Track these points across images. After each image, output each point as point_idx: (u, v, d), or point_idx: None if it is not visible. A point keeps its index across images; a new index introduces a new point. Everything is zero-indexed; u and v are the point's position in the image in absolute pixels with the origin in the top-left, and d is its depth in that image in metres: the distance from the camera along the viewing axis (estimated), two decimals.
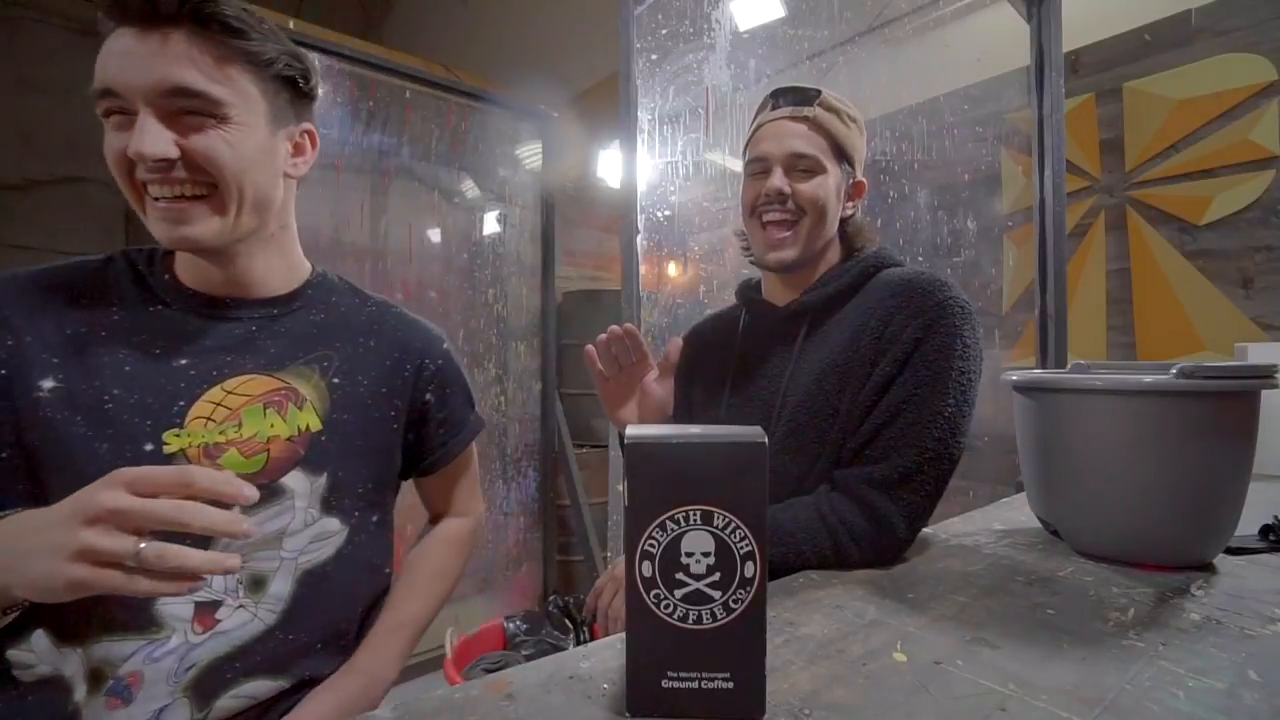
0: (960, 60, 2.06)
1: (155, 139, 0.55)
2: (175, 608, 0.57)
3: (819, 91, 0.85)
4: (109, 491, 0.43)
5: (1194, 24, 1.83)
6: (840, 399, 0.77)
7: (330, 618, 0.65)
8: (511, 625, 1.86)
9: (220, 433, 0.61)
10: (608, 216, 3.63)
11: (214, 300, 0.66)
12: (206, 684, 0.57)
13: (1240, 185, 1.75)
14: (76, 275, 0.63)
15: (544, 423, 2.62)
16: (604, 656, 0.51)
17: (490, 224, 2.54)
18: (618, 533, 1.99)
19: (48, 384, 0.57)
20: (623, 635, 0.44)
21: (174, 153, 0.56)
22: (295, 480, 0.64)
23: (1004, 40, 1.70)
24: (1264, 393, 0.69)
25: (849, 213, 0.90)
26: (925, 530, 0.85)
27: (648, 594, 0.41)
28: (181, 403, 0.60)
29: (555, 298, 2.64)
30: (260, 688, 0.60)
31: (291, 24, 2.13)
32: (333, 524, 0.66)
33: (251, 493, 0.45)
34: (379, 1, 5.86)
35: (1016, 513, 0.98)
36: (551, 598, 2.16)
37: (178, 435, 0.59)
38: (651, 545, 0.41)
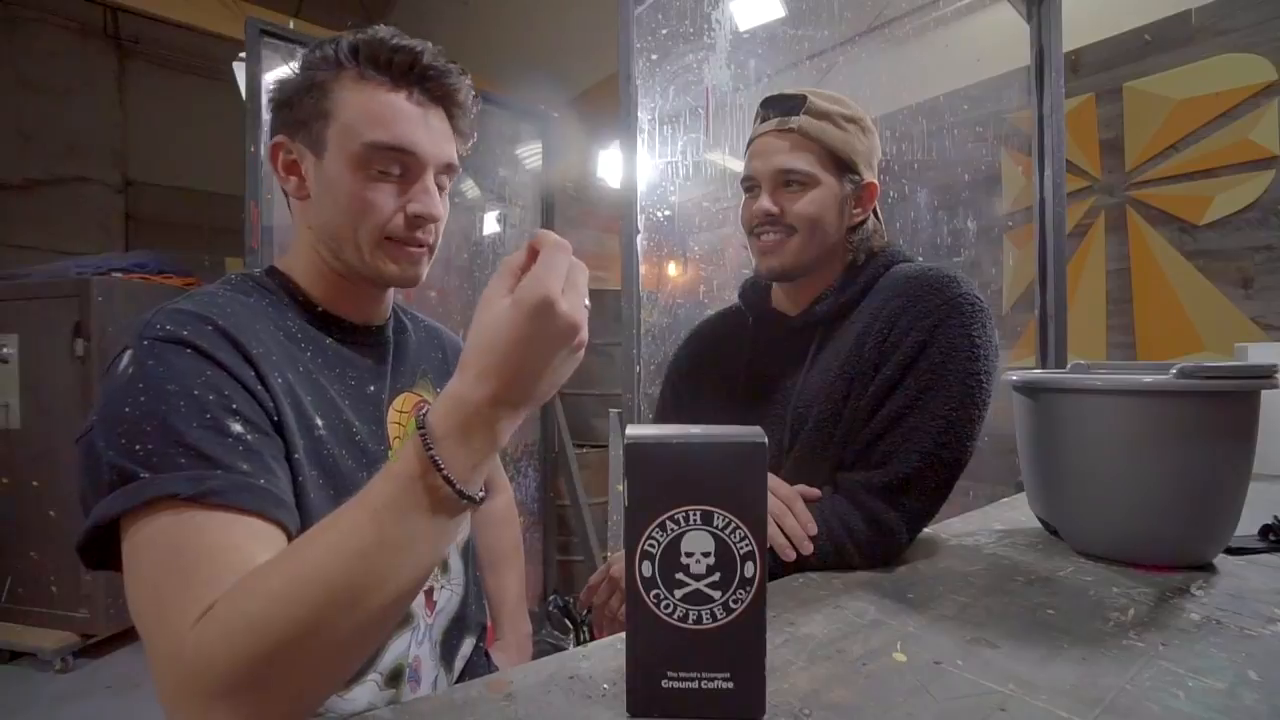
0: (960, 60, 2.06)
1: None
2: (416, 600, 0.65)
3: (804, 98, 0.80)
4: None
5: (1194, 24, 1.83)
6: (845, 405, 0.76)
7: (475, 576, 0.80)
8: None
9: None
10: (608, 216, 3.63)
11: (355, 327, 0.68)
12: (445, 652, 0.71)
13: (1240, 185, 1.75)
14: (241, 303, 0.59)
15: (544, 423, 2.61)
16: (604, 656, 0.51)
17: (490, 224, 2.54)
18: (618, 533, 1.99)
19: (320, 422, 0.58)
20: (623, 635, 0.44)
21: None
22: None
23: (1004, 40, 1.70)
24: (1264, 393, 0.69)
25: (858, 219, 0.84)
26: (925, 530, 0.85)
27: (648, 594, 0.41)
28: (381, 426, 0.65)
29: None
30: (468, 645, 0.74)
31: (292, 23, 2.12)
32: None
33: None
34: (379, 1, 5.86)
35: (1016, 513, 0.98)
36: (551, 598, 2.16)
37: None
38: (651, 545, 0.41)
